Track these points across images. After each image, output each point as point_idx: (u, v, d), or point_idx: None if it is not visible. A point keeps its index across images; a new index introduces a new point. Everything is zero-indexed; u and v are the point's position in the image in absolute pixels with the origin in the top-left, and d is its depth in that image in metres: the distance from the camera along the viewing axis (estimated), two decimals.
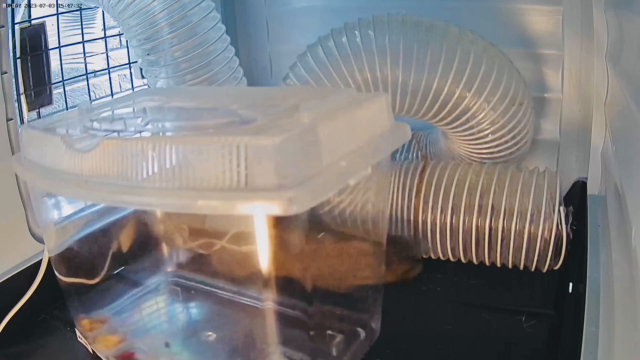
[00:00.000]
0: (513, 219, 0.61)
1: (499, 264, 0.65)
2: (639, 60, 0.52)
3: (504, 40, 0.78)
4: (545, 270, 0.62)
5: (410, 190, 0.66)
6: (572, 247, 0.67)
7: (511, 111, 0.65)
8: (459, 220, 0.64)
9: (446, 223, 0.64)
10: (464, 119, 0.66)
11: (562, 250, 0.61)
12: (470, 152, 0.71)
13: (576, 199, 0.77)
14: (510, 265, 0.64)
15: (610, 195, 0.64)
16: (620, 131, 0.61)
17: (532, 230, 0.61)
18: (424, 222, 0.65)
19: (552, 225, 0.61)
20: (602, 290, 0.52)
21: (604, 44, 0.69)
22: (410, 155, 0.84)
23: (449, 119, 0.66)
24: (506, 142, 0.68)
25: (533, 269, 0.63)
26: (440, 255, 0.67)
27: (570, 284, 0.62)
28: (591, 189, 0.75)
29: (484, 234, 0.63)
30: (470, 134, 0.67)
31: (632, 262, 0.41)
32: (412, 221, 0.66)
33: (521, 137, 0.68)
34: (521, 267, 0.64)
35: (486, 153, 0.69)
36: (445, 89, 0.64)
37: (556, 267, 0.62)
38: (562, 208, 0.61)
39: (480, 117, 0.65)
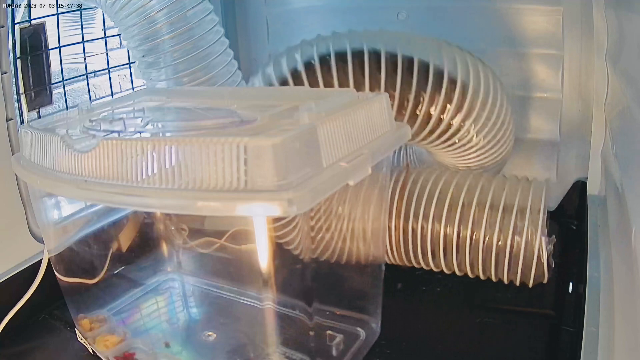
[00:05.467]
0: (494, 237, 0.60)
1: (482, 277, 0.64)
2: (639, 60, 0.52)
3: (503, 40, 0.78)
4: (531, 285, 0.61)
5: (392, 199, 0.65)
6: (572, 247, 0.67)
7: (491, 122, 0.64)
8: (439, 230, 0.63)
9: (426, 233, 0.63)
10: (444, 137, 0.64)
11: (544, 272, 0.60)
12: (455, 163, 0.70)
13: (576, 199, 0.77)
14: (494, 279, 0.63)
15: (610, 195, 0.64)
16: (620, 131, 0.61)
17: (513, 251, 0.60)
18: (405, 231, 0.64)
19: (533, 251, 0.59)
20: (602, 290, 0.52)
21: (604, 44, 0.69)
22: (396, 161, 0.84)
23: (430, 138, 0.65)
24: (489, 150, 0.67)
25: (518, 284, 0.62)
26: (423, 265, 0.66)
27: (570, 284, 0.62)
28: (591, 189, 0.75)
29: (465, 246, 0.62)
30: (454, 149, 0.66)
31: (632, 262, 0.41)
32: (392, 228, 0.65)
33: (502, 142, 0.67)
34: (506, 282, 0.63)
35: (470, 162, 0.68)
36: (422, 110, 0.62)
37: (544, 281, 0.61)
38: (543, 238, 0.58)
39: (460, 134, 0.64)
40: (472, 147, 0.65)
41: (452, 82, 0.61)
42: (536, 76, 0.79)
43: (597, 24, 0.69)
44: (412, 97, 0.61)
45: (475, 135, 0.64)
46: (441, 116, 0.62)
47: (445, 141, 0.65)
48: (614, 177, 0.62)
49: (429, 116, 0.62)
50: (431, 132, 0.64)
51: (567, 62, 0.75)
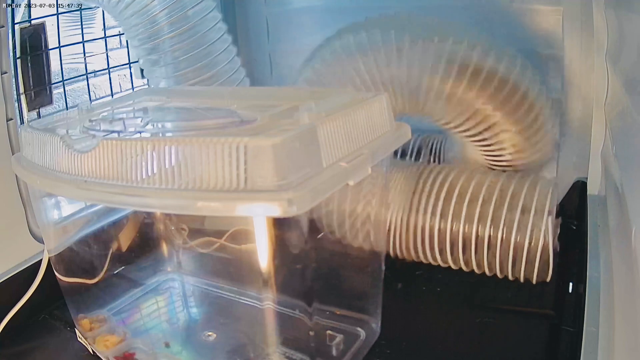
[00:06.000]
0: (499, 230, 0.61)
1: (488, 273, 0.64)
2: (639, 60, 0.52)
3: (504, 40, 0.78)
4: (535, 282, 0.62)
5: (404, 195, 0.65)
6: (572, 247, 0.67)
7: (528, 119, 0.64)
8: (446, 225, 0.63)
9: (433, 227, 0.64)
10: (480, 128, 0.65)
11: (549, 264, 0.60)
12: (488, 160, 0.70)
13: (576, 199, 0.77)
14: (500, 276, 0.63)
15: (610, 195, 0.64)
16: (620, 131, 0.61)
17: (517, 241, 0.60)
18: (415, 226, 0.65)
19: (539, 239, 0.59)
20: (602, 290, 0.52)
21: (604, 44, 0.69)
22: (416, 159, 0.84)
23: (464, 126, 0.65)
24: (523, 150, 0.66)
25: (522, 280, 0.62)
26: (431, 260, 0.67)
27: (570, 284, 0.62)
28: (591, 189, 0.75)
29: (471, 242, 0.62)
30: (485, 145, 0.66)
31: (632, 262, 0.41)
32: (406, 223, 0.65)
33: (538, 143, 0.67)
34: (510, 278, 0.63)
35: (504, 161, 0.68)
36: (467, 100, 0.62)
37: (547, 279, 0.61)
38: (550, 218, 0.59)
39: (496, 128, 0.64)
40: (506, 144, 0.65)
41: (492, 75, 0.62)
42: None
43: (597, 24, 0.69)
44: (449, 85, 0.62)
45: (510, 132, 0.64)
46: (480, 108, 0.62)
47: (477, 134, 0.65)
48: (614, 177, 0.62)
49: (468, 106, 0.63)
50: (467, 120, 0.64)
51: (567, 62, 0.75)
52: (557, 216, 0.61)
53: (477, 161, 0.71)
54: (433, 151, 0.83)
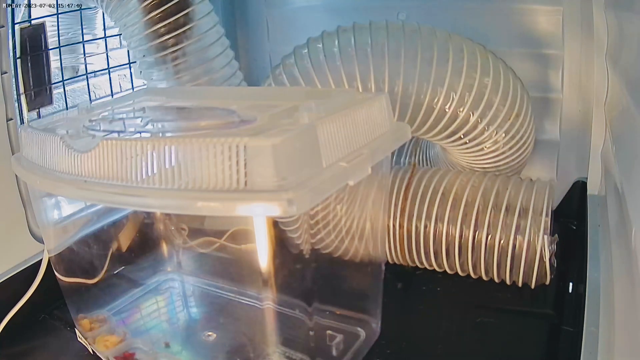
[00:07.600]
0: (496, 237, 0.61)
1: (485, 278, 0.64)
2: (639, 60, 0.52)
3: (504, 40, 0.78)
4: (533, 286, 0.62)
5: (397, 199, 0.65)
6: (572, 247, 0.67)
7: (507, 125, 0.63)
8: (442, 230, 0.63)
9: (429, 232, 0.63)
10: (459, 134, 0.64)
11: (547, 272, 0.60)
12: (469, 163, 0.70)
13: (576, 199, 0.77)
14: (497, 280, 0.63)
15: (610, 195, 0.64)
16: (620, 131, 0.60)
17: (516, 251, 0.60)
18: (409, 231, 0.65)
19: (537, 242, 0.59)
20: (602, 290, 0.52)
21: (604, 44, 0.69)
22: (405, 160, 0.84)
23: (443, 134, 0.65)
24: (504, 152, 0.66)
25: (520, 285, 0.62)
26: (426, 265, 0.67)
27: (570, 284, 0.62)
28: (591, 189, 0.75)
29: (467, 247, 0.62)
30: (466, 148, 0.66)
31: (632, 262, 0.41)
32: (397, 228, 0.65)
33: (520, 145, 0.67)
34: (508, 282, 0.63)
35: (486, 164, 0.68)
36: (438, 105, 0.62)
37: (547, 282, 0.61)
38: (546, 237, 0.59)
39: (476, 132, 0.63)
40: (487, 147, 0.65)
41: (471, 79, 0.61)
42: (536, 76, 0.79)
43: (597, 24, 0.69)
44: (429, 91, 0.61)
45: (490, 136, 0.64)
46: (457, 112, 0.62)
47: (458, 139, 0.65)
48: (614, 177, 0.62)
49: (444, 111, 0.62)
50: (445, 127, 0.63)
51: (567, 62, 0.75)
52: (557, 216, 0.61)
53: (461, 164, 0.72)
54: (422, 148, 0.83)
